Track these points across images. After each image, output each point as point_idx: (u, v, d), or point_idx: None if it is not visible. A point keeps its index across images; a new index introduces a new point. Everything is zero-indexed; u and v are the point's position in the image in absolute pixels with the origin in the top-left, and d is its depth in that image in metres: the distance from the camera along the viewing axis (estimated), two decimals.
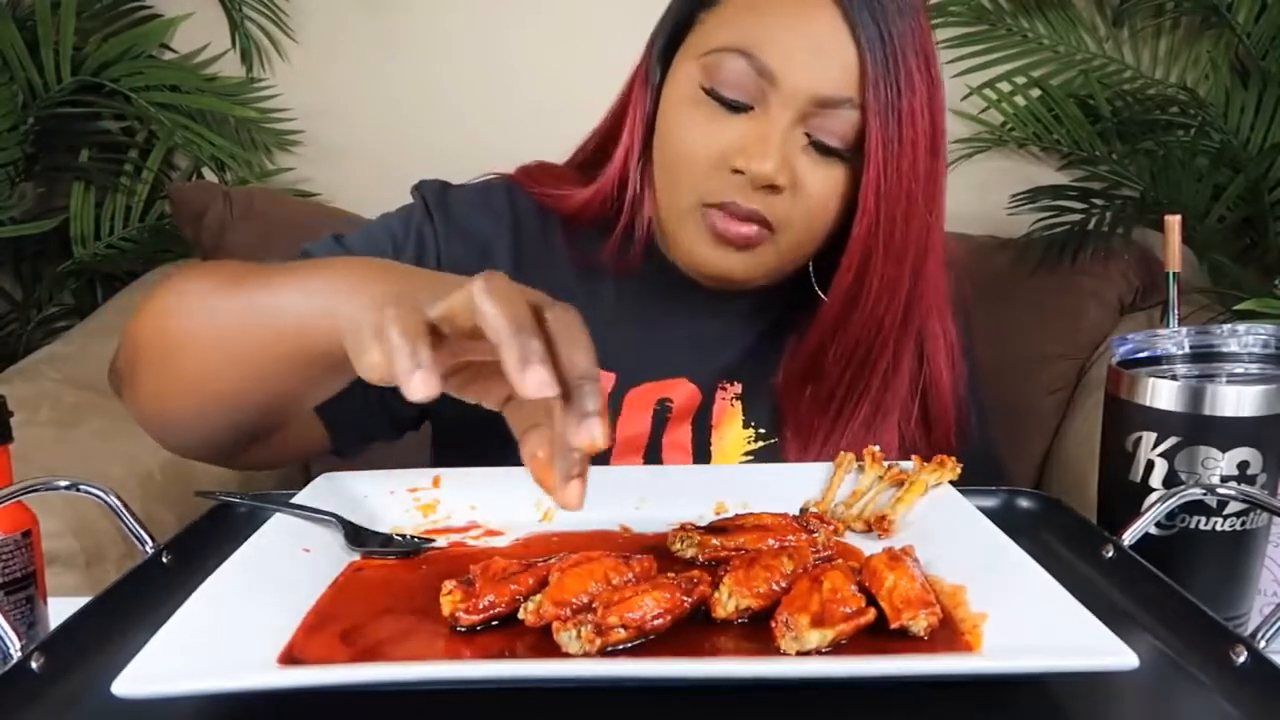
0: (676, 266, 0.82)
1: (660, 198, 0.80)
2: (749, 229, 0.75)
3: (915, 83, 0.73)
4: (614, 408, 0.81)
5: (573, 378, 0.46)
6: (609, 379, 0.82)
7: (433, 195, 0.85)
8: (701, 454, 0.82)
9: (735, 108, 0.74)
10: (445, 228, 0.83)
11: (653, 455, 0.82)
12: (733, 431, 0.83)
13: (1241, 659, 0.48)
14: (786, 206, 0.74)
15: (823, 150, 0.74)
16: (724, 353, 0.85)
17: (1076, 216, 1.54)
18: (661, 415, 0.82)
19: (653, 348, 0.83)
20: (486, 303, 0.46)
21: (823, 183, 0.74)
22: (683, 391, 0.83)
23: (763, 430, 0.84)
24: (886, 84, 0.72)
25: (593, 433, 0.45)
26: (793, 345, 0.84)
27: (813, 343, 0.80)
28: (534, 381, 0.44)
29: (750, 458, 0.83)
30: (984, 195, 1.66)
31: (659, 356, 0.83)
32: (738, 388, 0.84)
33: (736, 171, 0.73)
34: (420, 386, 0.44)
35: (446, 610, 0.51)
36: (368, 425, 0.81)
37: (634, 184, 0.82)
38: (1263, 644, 0.51)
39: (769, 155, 0.72)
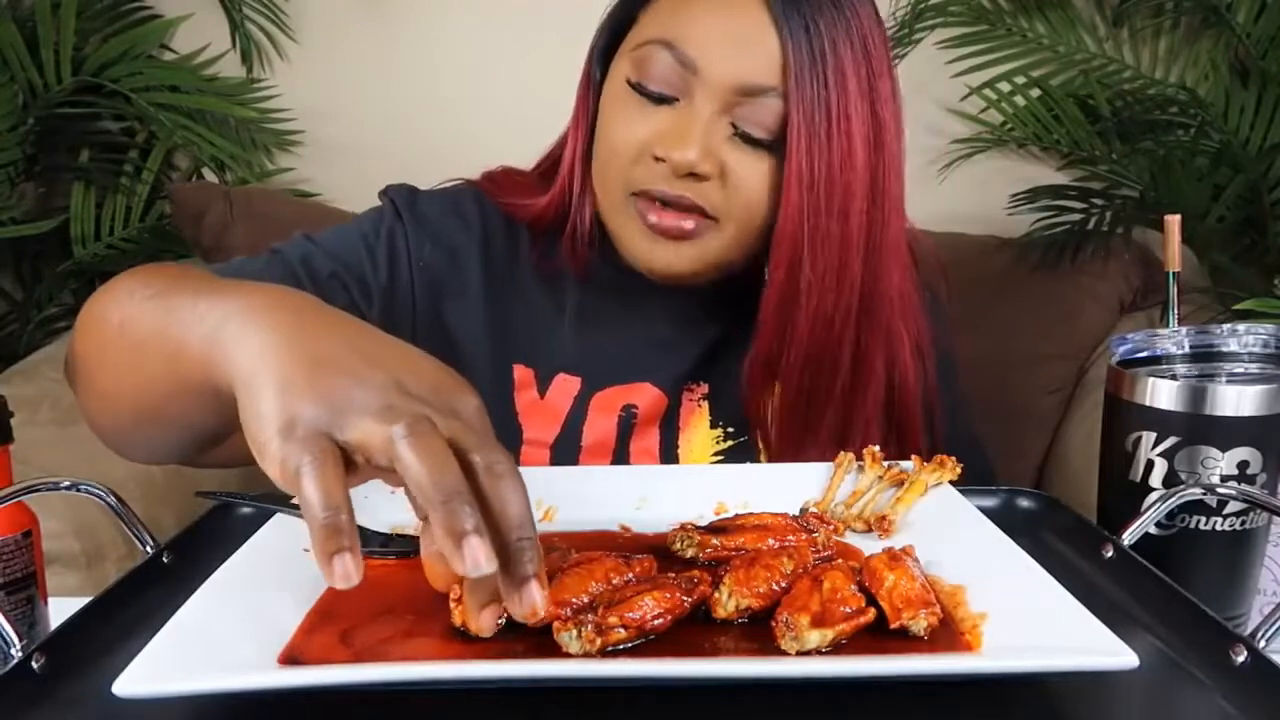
0: (633, 270, 0.80)
1: (598, 196, 0.80)
2: (685, 220, 0.74)
3: (847, 74, 0.72)
4: (580, 412, 0.81)
5: (510, 538, 0.41)
6: (575, 383, 0.82)
7: (402, 199, 0.84)
8: (669, 458, 0.82)
9: (660, 99, 0.74)
10: (416, 232, 0.82)
11: (619, 462, 0.81)
12: (700, 434, 0.83)
13: (1241, 659, 0.48)
14: (719, 196, 0.74)
15: (749, 141, 0.73)
16: (687, 353, 0.84)
17: (1076, 216, 1.54)
18: (627, 421, 0.82)
19: (616, 351, 0.83)
20: (409, 455, 0.40)
21: (752, 173, 0.73)
22: (647, 396, 0.82)
23: (731, 430, 0.83)
24: (813, 74, 0.71)
25: (534, 600, 0.41)
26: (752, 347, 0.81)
27: (764, 343, 0.78)
28: (471, 559, 0.39)
29: (720, 458, 0.82)
30: (984, 195, 1.67)
31: (622, 360, 0.83)
32: (704, 388, 0.84)
33: (658, 160, 0.73)
34: (343, 578, 0.39)
35: (457, 620, 0.50)
36: None
37: (577, 186, 0.82)
38: (1262, 644, 0.51)
39: (689, 142, 0.72)
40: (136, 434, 0.62)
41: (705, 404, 0.84)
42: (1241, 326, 0.69)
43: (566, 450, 0.80)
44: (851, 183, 0.73)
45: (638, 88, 0.74)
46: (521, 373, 0.82)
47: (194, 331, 0.49)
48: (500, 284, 0.83)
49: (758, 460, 0.82)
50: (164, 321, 0.52)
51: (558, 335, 0.82)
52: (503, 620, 0.48)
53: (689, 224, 0.74)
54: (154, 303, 0.55)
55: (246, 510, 0.70)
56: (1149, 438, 0.65)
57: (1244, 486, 0.63)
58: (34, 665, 0.48)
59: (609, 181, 0.77)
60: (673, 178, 0.73)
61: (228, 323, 0.47)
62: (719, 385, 0.84)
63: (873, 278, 0.77)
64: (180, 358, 0.50)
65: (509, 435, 0.79)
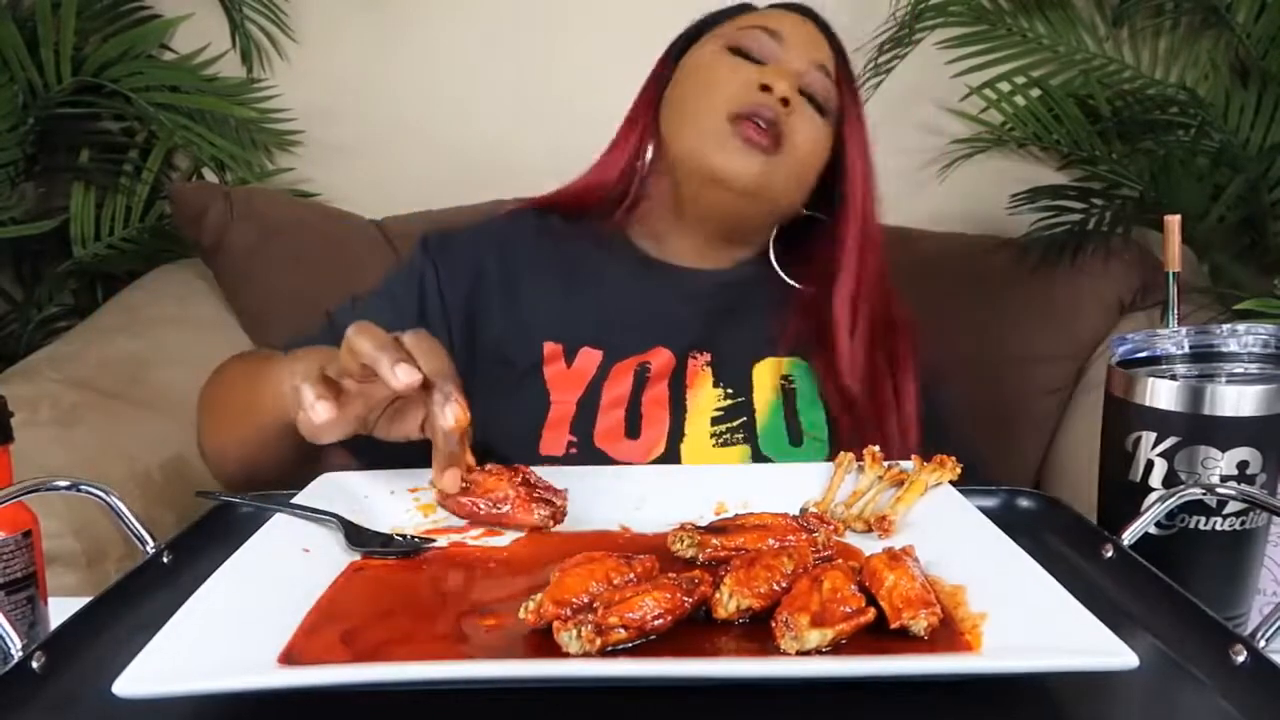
0: (651, 258, 1.02)
1: (681, 138, 0.97)
2: (767, 136, 0.93)
3: (855, 83, 1.02)
4: (602, 377, 0.94)
5: (433, 376, 0.61)
6: (597, 355, 0.95)
7: (434, 243, 1.02)
8: (678, 408, 0.93)
9: (756, 60, 0.96)
10: (448, 272, 0.99)
11: (633, 410, 0.93)
12: (704, 391, 0.94)
13: (1241, 659, 0.48)
14: (792, 125, 0.94)
15: (812, 102, 0.97)
16: (694, 325, 0.98)
17: (1076, 216, 1.54)
18: (641, 376, 0.94)
19: (633, 328, 0.97)
20: (357, 340, 0.61)
21: (811, 124, 0.96)
22: (660, 356, 0.96)
23: (730, 390, 0.95)
24: (846, 68, 1.01)
25: (455, 413, 0.61)
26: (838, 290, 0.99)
27: (849, 280, 0.98)
28: (402, 374, 0.59)
29: (721, 413, 0.93)
30: (984, 195, 1.66)
31: (639, 334, 0.96)
32: (707, 356, 0.96)
33: (764, 88, 0.93)
34: (321, 412, 0.61)
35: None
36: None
37: (640, 159, 1.02)
38: (1262, 643, 0.51)
39: (788, 78, 0.94)
40: (251, 469, 0.84)
41: (709, 369, 0.96)
42: (1241, 326, 0.69)
43: (588, 406, 0.92)
44: (869, 161, 1.00)
45: (739, 51, 0.97)
46: (551, 348, 0.95)
47: (268, 387, 0.76)
48: (520, 282, 0.99)
49: (753, 418, 0.93)
50: (254, 384, 0.79)
51: (583, 314, 0.97)
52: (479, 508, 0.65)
53: (767, 141, 0.93)
54: (244, 380, 0.84)
55: (246, 510, 0.70)
56: (1149, 438, 0.65)
57: (1244, 486, 0.63)
58: (34, 665, 0.48)
59: (712, 115, 0.94)
60: (773, 103, 0.93)
61: (283, 378, 0.74)
62: (719, 355, 0.96)
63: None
64: (266, 406, 0.76)
65: (539, 400, 0.93)
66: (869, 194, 1.00)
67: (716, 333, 0.98)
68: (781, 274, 1.02)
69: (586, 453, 0.90)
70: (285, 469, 0.80)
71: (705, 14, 1.05)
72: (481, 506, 0.65)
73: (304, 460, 0.79)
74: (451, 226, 1.06)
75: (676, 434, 0.91)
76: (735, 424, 0.92)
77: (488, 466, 0.67)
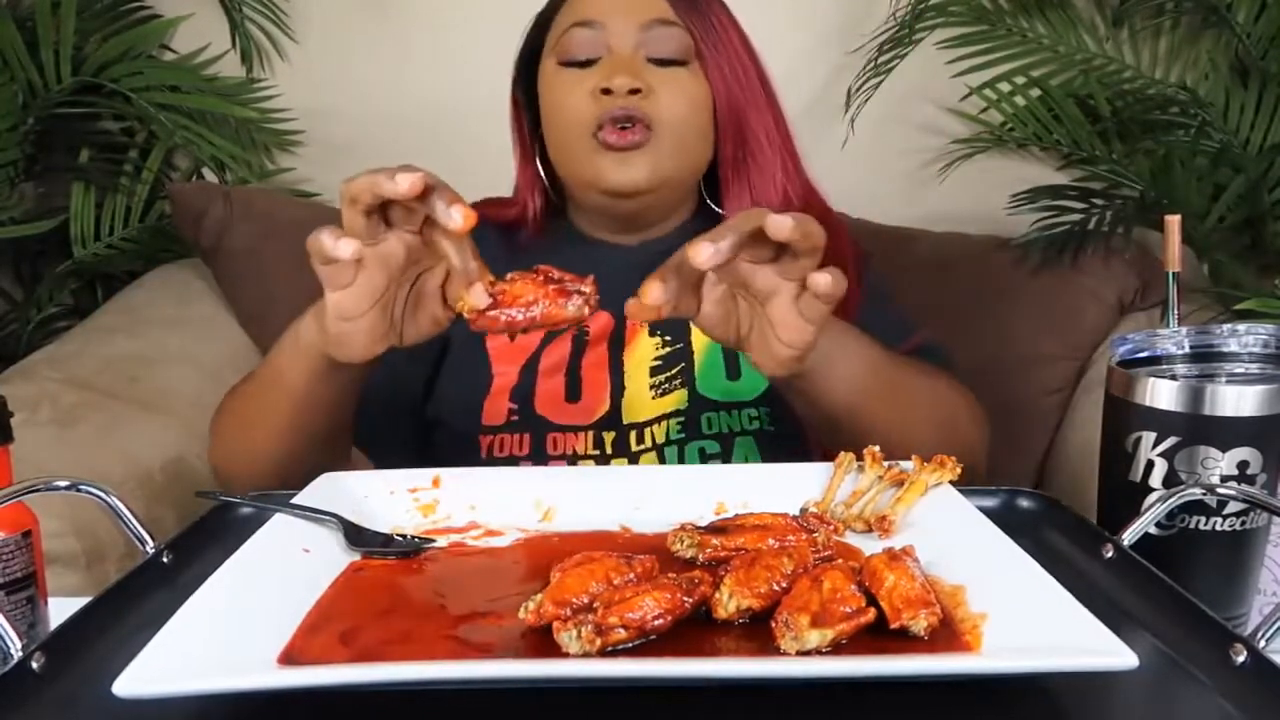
0: (588, 236, 1.01)
1: (563, 162, 0.97)
2: (633, 132, 0.91)
3: (704, 9, 0.96)
4: (542, 347, 0.96)
5: (430, 180, 0.62)
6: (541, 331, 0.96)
7: None
8: (616, 367, 0.95)
9: (587, 64, 0.93)
10: None
11: (573, 374, 0.95)
12: (641, 343, 0.96)
13: (1241, 659, 0.48)
14: (653, 108, 0.92)
15: (662, 63, 0.93)
16: (631, 292, 0.95)
17: (1076, 216, 1.54)
18: (580, 340, 0.96)
19: None
20: (348, 185, 0.63)
21: (671, 85, 0.93)
22: (599, 320, 0.96)
23: (668, 338, 0.96)
24: (689, 4, 0.95)
25: (461, 211, 0.61)
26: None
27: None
28: (402, 179, 0.61)
29: (660, 362, 0.95)
30: (984, 195, 1.66)
31: None
32: None
33: (605, 92, 0.91)
34: (345, 247, 0.63)
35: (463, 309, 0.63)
36: (393, 439, 0.98)
37: (533, 178, 1.02)
38: (1262, 644, 0.51)
39: (619, 70, 0.91)
40: (283, 464, 0.82)
41: (645, 324, 0.96)
42: (1241, 326, 0.69)
43: (528, 374, 0.95)
44: (752, 78, 0.97)
45: (568, 63, 0.94)
46: None
47: (283, 353, 0.77)
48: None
49: (691, 362, 0.95)
50: (265, 376, 0.81)
51: None
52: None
53: (635, 135, 0.91)
54: (258, 374, 0.84)
55: (246, 510, 0.70)
56: (1149, 438, 0.65)
57: (1244, 487, 0.63)
58: (34, 665, 0.48)
59: (571, 139, 0.94)
60: (619, 99, 0.90)
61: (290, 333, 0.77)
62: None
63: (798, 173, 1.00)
64: (302, 350, 0.74)
65: (481, 372, 0.96)
66: (755, 122, 0.96)
67: None
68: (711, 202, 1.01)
69: (527, 419, 0.92)
70: (316, 449, 0.81)
71: (528, 25, 1.02)
72: (516, 315, 0.64)
73: (334, 439, 0.82)
74: None
75: (618, 391, 0.93)
76: (674, 371, 0.94)
77: (508, 275, 0.66)
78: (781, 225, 0.60)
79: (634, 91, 0.91)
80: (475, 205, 1.04)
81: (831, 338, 0.75)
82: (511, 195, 1.06)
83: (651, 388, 0.93)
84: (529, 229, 1.03)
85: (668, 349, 0.96)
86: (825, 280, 0.62)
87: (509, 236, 1.03)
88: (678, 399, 0.93)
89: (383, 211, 0.65)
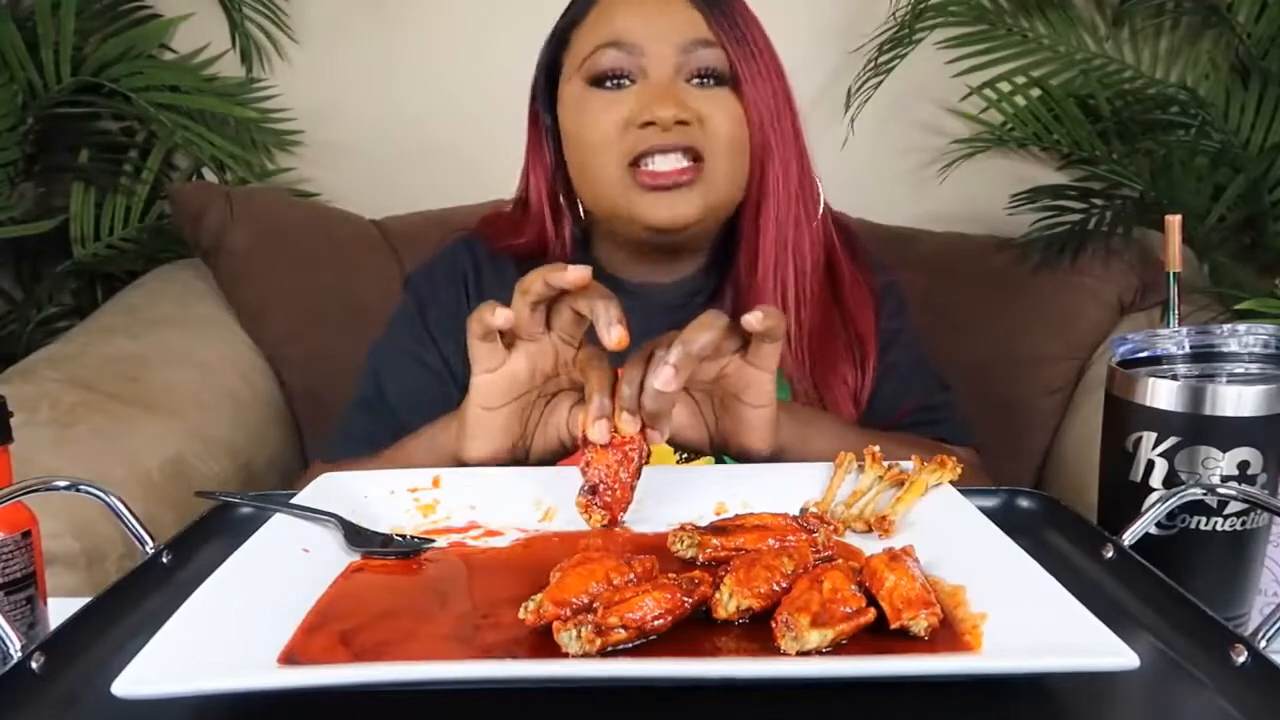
0: (617, 279, 0.95)
1: (586, 196, 0.92)
2: (679, 166, 0.85)
3: (750, 20, 0.90)
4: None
5: (594, 290, 0.64)
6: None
7: (420, 285, 1.00)
8: None
9: (619, 85, 0.87)
10: (435, 308, 0.98)
11: None
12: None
13: (1241, 659, 0.48)
14: (703, 135, 0.86)
15: (707, 84, 0.87)
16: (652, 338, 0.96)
17: (1076, 216, 1.54)
18: None
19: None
20: (523, 281, 0.66)
21: (720, 108, 0.87)
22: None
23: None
24: (731, 21, 0.88)
25: (618, 333, 0.62)
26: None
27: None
28: (573, 271, 0.63)
29: (681, 456, 0.90)
30: (984, 195, 1.66)
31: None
32: None
33: (647, 124, 0.84)
34: (500, 315, 0.65)
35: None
36: None
37: (549, 213, 0.95)
38: (1263, 644, 0.51)
39: (666, 100, 0.84)
40: None
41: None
42: (1241, 326, 0.69)
43: None
44: (785, 102, 0.90)
45: (598, 83, 0.87)
46: None
47: (419, 451, 0.78)
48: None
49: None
50: (397, 459, 0.79)
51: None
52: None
53: (685, 171, 0.85)
54: (382, 458, 0.82)
55: (246, 510, 0.70)
56: (1149, 438, 0.65)
57: (1244, 487, 0.63)
58: (33, 665, 0.48)
59: (601, 169, 0.87)
60: (663, 131, 0.84)
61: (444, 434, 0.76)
62: None
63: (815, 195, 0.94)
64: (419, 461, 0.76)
65: None
66: (779, 157, 0.89)
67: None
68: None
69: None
70: None
71: (550, 32, 0.96)
72: (601, 477, 0.64)
73: None
74: (428, 262, 1.03)
75: None
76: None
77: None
78: (752, 321, 0.63)
79: (681, 123, 0.85)
80: (488, 229, 1.01)
81: (806, 420, 0.77)
82: (510, 204, 1.01)
83: (676, 449, 0.89)
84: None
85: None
86: (756, 317, 0.64)
87: (526, 269, 1.00)
88: (704, 462, 0.88)
89: (548, 314, 0.68)
